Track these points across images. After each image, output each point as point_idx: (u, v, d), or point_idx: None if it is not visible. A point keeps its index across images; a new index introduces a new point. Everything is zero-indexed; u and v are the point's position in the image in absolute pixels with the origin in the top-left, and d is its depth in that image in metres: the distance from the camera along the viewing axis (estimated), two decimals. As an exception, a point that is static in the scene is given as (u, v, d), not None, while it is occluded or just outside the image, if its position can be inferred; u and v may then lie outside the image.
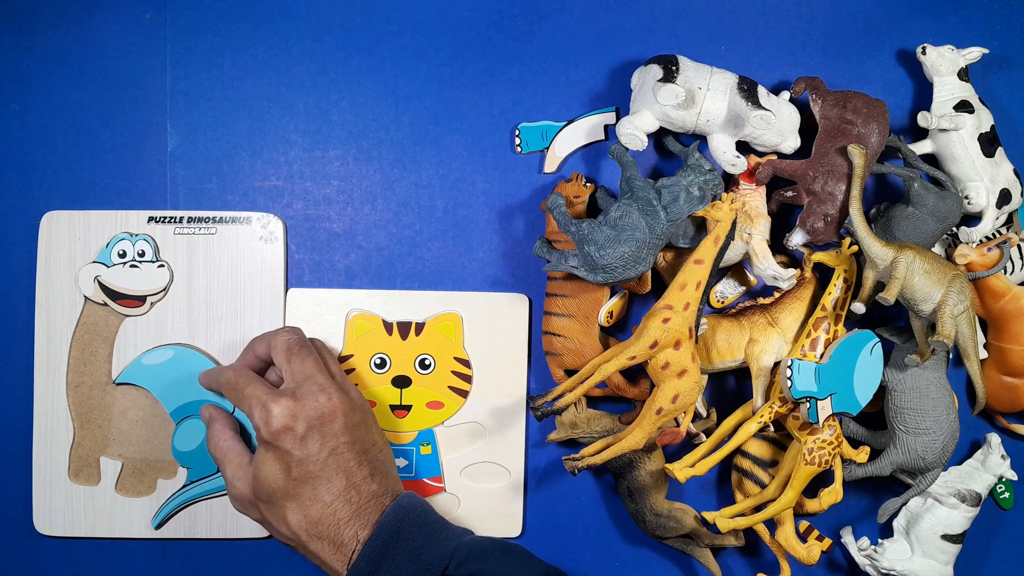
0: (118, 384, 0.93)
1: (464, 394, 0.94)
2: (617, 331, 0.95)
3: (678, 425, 0.90)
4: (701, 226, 0.91)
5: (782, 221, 0.94)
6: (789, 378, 0.85)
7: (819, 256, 0.90)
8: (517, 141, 0.95)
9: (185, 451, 0.94)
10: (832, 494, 0.89)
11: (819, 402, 0.85)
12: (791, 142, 0.90)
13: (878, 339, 0.87)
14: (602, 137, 0.95)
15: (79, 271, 0.93)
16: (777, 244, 0.93)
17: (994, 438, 0.95)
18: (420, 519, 0.83)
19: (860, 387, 0.87)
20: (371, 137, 0.95)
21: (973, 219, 0.93)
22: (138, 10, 0.94)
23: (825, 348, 0.88)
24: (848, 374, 0.86)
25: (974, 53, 0.91)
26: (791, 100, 0.91)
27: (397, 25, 0.95)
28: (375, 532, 0.80)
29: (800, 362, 0.85)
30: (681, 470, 0.87)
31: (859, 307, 0.85)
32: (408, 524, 0.81)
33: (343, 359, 0.94)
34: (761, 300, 0.93)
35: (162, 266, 0.93)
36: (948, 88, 0.91)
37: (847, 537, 0.96)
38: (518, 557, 0.84)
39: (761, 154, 0.92)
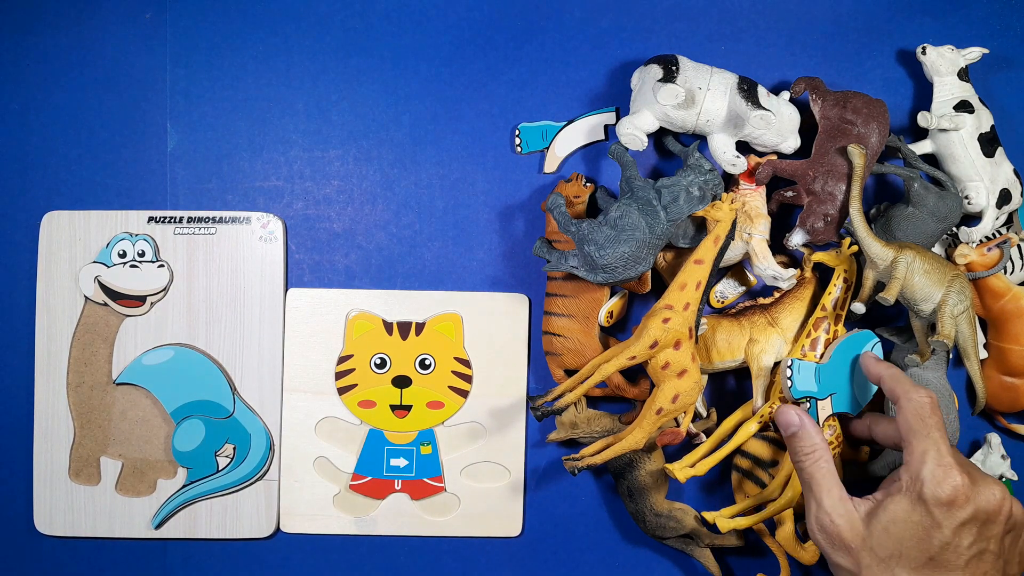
0: (118, 384, 0.93)
1: (464, 394, 0.94)
2: (617, 331, 0.95)
3: (678, 425, 0.90)
4: (701, 226, 0.91)
5: (782, 221, 0.94)
6: (789, 378, 0.85)
7: (819, 256, 0.90)
8: (517, 141, 0.95)
9: (185, 451, 0.94)
10: (832, 494, 0.89)
11: (819, 402, 0.85)
12: (791, 142, 0.90)
13: (878, 339, 0.88)
14: (602, 137, 0.95)
15: (79, 271, 0.93)
16: (777, 244, 0.93)
17: (994, 438, 0.95)
18: None
19: (860, 386, 0.87)
20: (371, 137, 0.95)
21: (973, 219, 0.93)
22: (138, 10, 0.94)
23: (825, 348, 0.88)
24: (848, 374, 0.86)
25: (974, 53, 0.91)
26: (791, 100, 0.91)
27: (397, 25, 0.95)
28: None
29: (800, 362, 0.85)
30: (681, 470, 0.87)
31: (859, 307, 0.85)
32: None
33: (343, 359, 0.94)
34: (761, 300, 0.93)
35: (162, 266, 0.93)
36: (948, 88, 0.91)
37: (847, 537, 0.96)
38: None
39: (761, 154, 0.92)
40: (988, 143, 0.91)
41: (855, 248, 0.89)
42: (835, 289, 0.90)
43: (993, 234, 0.93)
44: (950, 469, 0.71)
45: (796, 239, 0.90)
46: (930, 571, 0.70)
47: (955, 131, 0.90)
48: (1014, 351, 0.92)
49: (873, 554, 0.71)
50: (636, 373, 0.93)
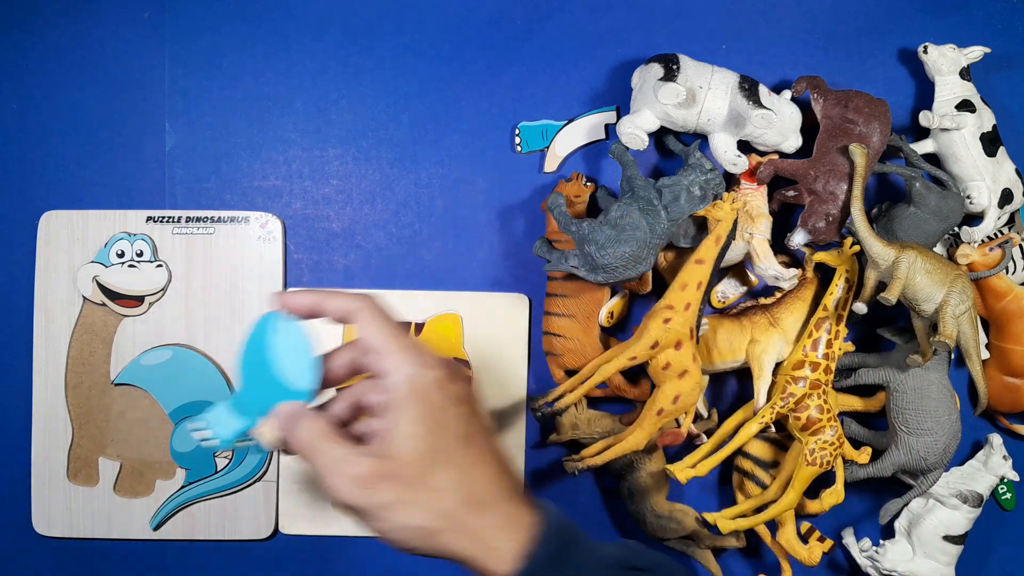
0: (116, 384, 0.93)
1: (464, 394, 0.94)
2: (617, 331, 0.95)
3: (679, 426, 0.90)
4: (702, 226, 0.90)
5: (783, 221, 0.94)
6: (208, 438, 0.67)
7: (820, 256, 0.90)
8: (517, 141, 0.95)
9: (183, 452, 0.93)
10: (834, 495, 0.89)
11: (260, 426, 0.67)
12: (792, 141, 0.90)
13: (276, 313, 0.68)
14: (602, 136, 0.95)
15: (78, 271, 0.93)
16: (778, 244, 0.92)
17: (996, 439, 0.95)
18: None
19: (290, 373, 0.67)
20: (371, 137, 0.95)
21: (975, 219, 0.92)
22: (137, 10, 0.94)
23: (827, 348, 0.88)
24: (267, 374, 0.67)
25: (975, 52, 0.91)
26: (792, 99, 0.91)
27: (397, 25, 0.95)
28: (546, 516, 0.65)
29: (209, 413, 0.67)
30: (682, 471, 0.87)
31: (860, 307, 0.85)
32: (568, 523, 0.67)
33: (342, 359, 0.94)
34: (762, 300, 0.93)
35: (160, 266, 0.93)
36: (950, 87, 0.91)
37: (848, 538, 0.95)
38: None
39: (762, 153, 0.92)
40: (990, 142, 0.90)
41: (857, 248, 0.89)
42: (837, 289, 0.89)
43: (995, 234, 0.93)
44: (424, 353, 0.65)
45: (797, 239, 0.89)
46: (467, 447, 0.64)
47: (957, 130, 0.90)
48: (1016, 351, 0.92)
49: (414, 465, 0.63)
50: (637, 374, 0.92)
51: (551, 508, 0.66)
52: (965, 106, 0.90)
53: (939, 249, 0.93)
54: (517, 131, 0.95)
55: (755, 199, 0.91)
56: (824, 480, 0.92)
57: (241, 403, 0.68)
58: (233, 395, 0.68)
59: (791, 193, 0.90)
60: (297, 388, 0.67)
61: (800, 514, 0.93)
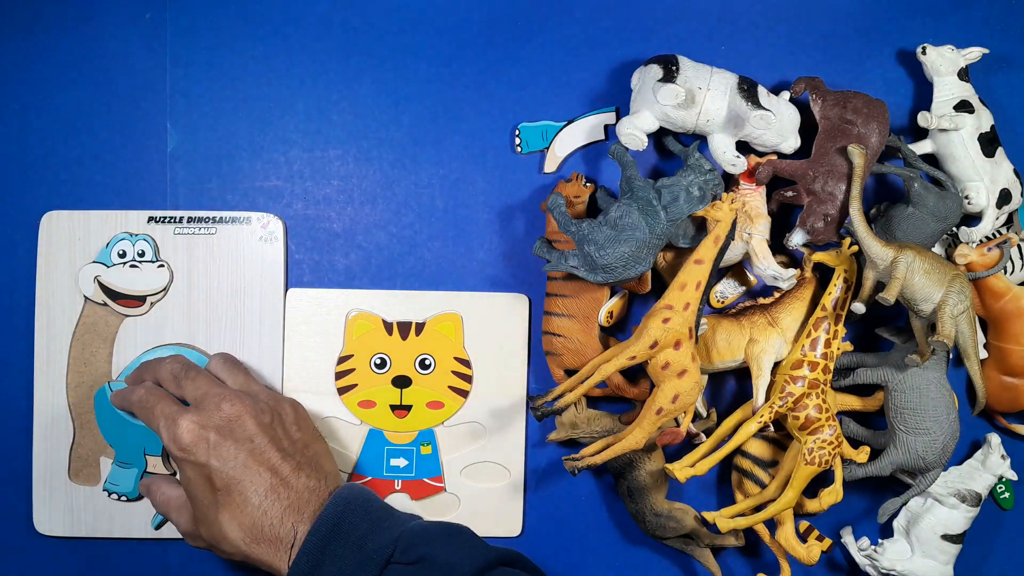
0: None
1: (464, 394, 0.94)
2: (617, 331, 0.95)
3: (678, 425, 0.90)
4: (701, 226, 0.91)
5: (782, 221, 0.94)
6: (123, 496, 0.93)
7: (819, 256, 0.90)
8: (517, 141, 0.95)
9: (185, 451, 0.94)
10: (832, 494, 0.89)
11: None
12: (791, 142, 0.90)
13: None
14: (602, 137, 0.95)
15: (79, 271, 0.93)
16: (777, 244, 0.92)
17: (994, 438, 0.95)
18: (362, 508, 0.80)
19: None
20: (371, 137, 0.95)
21: (973, 219, 0.93)
22: (138, 10, 0.94)
23: (826, 348, 0.88)
24: (130, 429, 0.91)
25: (974, 53, 0.91)
26: (791, 100, 0.91)
27: (397, 25, 0.95)
28: (315, 525, 0.78)
29: (109, 481, 0.93)
30: (681, 470, 0.87)
31: (859, 307, 0.85)
32: (349, 514, 0.79)
33: (343, 359, 0.94)
34: (761, 300, 0.93)
35: (162, 266, 0.93)
36: (948, 88, 0.91)
37: (847, 537, 0.96)
38: (466, 540, 0.82)
39: (761, 154, 0.92)
40: (988, 143, 0.91)
41: (855, 248, 0.89)
42: (835, 289, 0.90)
43: (993, 234, 0.93)
44: (177, 419, 0.81)
45: (796, 239, 0.90)
46: (230, 494, 0.80)
47: (955, 131, 0.90)
48: (1014, 351, 0.92)
49: (200, 524, 0.83)
50: (636, 373, 0.93)
51: (330, 508, 0.79)
52: (963, 107, 0.90)
53: (937, 249, 0.94)
54: (517, 132, 0.95)
55: (754, 199, 0.91)
56: (823, 479, 0.92)
57: (123, 459, 0.92)
58: (115, 458, 0.92)
59: (790, 193, 0.91)
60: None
61: (799, 513, 0.93)
